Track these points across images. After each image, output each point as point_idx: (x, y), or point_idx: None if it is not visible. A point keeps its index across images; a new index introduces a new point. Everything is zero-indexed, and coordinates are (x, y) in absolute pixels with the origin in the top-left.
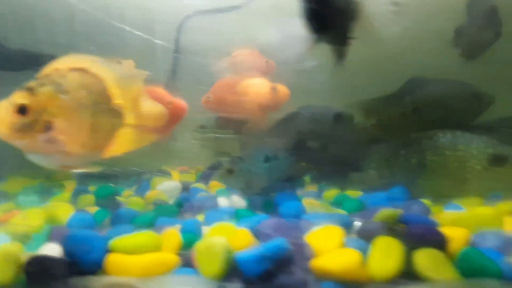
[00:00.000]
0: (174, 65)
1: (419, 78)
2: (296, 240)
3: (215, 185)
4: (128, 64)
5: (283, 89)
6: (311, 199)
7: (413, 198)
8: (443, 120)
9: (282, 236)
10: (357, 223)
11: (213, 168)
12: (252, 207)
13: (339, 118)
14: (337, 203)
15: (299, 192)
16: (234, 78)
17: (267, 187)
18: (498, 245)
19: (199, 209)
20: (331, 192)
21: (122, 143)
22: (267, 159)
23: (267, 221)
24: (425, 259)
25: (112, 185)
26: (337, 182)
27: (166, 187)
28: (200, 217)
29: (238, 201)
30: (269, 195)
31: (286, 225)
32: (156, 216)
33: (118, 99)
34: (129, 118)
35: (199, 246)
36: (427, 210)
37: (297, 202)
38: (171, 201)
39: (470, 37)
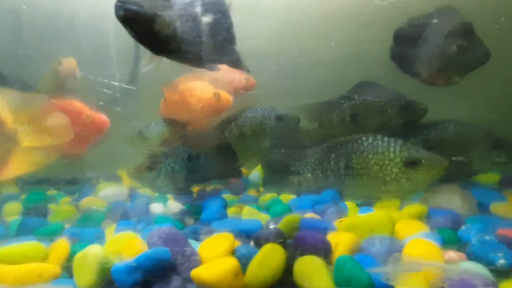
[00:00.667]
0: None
1: (366, 83)
2: (182, 249)
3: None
4: (69, 62)
5: (225, 96)
6: (241, 204)
7: (342, 201)
8: (377, 126)
9: (170, 245)
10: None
11: None
12: (188, 212)
13: (280, 119)
14: (268, 207)
15: (242, 194)
16: (185, 80)
17: (186, 187)
18: (383, 251)
19: (125, 217)
20: (267, 196)
21: (18, 166)
22: (190, 158)
23: (157, 230)
24: (303, 268)
25: (45, 192)
26: (278, 186)
27: (109, 193)
28: (112, 227)
29: (174, 206)
30: (195, 198)
31: (176, 234)
32: (62, 227)
33: (11, 124)
34: (27, 140)
35: (76, 257)
36: (343, 214)
37: (218, 208)
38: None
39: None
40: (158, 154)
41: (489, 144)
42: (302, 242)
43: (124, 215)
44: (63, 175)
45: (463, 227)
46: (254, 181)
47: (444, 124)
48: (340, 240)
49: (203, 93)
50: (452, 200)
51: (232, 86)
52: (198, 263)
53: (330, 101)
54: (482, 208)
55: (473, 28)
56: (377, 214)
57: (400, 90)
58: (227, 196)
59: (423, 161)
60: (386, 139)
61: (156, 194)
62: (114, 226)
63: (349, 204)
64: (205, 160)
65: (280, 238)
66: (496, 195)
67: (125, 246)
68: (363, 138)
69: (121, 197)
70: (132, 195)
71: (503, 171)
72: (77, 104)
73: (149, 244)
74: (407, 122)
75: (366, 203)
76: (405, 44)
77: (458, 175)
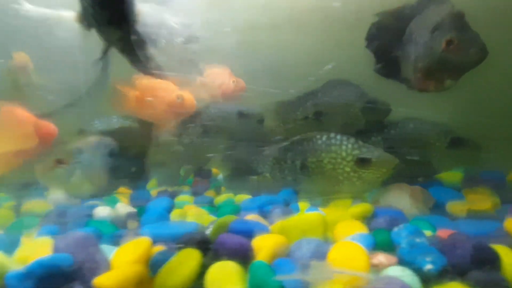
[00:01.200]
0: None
1: (336, 81)
2: (92, 255)
3: (120, 191)
4: (20, 57)
5: (189, 99)
6: (191, 206)
7: (297, 201)
8: (340, 125)
9: (77, 251)
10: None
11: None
12: (134, 216)
13: (242, 116)
14: (220, 207)
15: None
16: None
17: (108, 187)
18: (308, 255)
19: (62, 221)
20: (222, 197)
21: None
22: (112, 153)
23: (65, 235)
24: (215, 274)
25: None
26: (238, 186)
27: (60, 196)
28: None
29: (123, 209)
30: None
31: (87, 240)
32: None
33: None
34: None
35: None
36: (289, 215)
37: (160, 211)
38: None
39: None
40: (71, 148)
41: (448, 143)
42: (221, 246)
43: (58, 219)
44: (19, 178)
45: (395, 228)
46: (221, 181)
47: (404, 123)
48: (265, 244)
49: (166, 94)
50: (401, 199)
51: (221, 90)
52: (107, 270)
53: (295, 99)
54: (440, 207)
55: (465, 19)
56: (310, 215)
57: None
58: (183, 197)
59: (373, 159)
60: (339, 137)
61: (109, 196)
62: (35, 231)
63: (302, 205)
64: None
65: (204, 242)
66: (455, 194)
67: (34, 253)
68: (317, 136)
69: (72, 201)
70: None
71: (466, 170)
72: (25, 114)
73: (56, 250)
74: (370, 121)
75: (320, 203)
76: (384, 41)
77: (417, 174)
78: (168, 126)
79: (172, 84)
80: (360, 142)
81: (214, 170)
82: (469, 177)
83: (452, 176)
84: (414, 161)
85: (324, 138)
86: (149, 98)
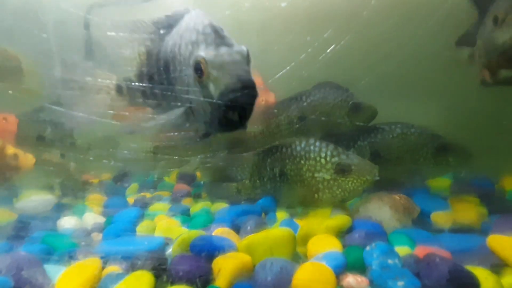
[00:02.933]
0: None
1: (324, 84)
2: (32, 278)
3: (93, 199)
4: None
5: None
6: (163, 216)
7: (278, 209)
8: (325, 128)
9: (17, 273)
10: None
11: (117, 179)
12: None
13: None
14: (194, 217)
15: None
16: None
17: None
18: (271, 278)
19: (20, 234)
20: (198, 206)
21: None
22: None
23: (8, 255)
24: None
25: None
26: (218, 193)
27: (30, 204)
28: None
29: (91, 220)
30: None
31: (30, 261)
32: None
33: None
34: None
35: None
36: (262, 227)
37: (125, 224)
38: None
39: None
40: None
41: (435, 148)
42: (177, 268)
43: (18, 232)
44: None
45: (368, 247)
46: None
47: (391, 127)
48: (226, 265)
49: None
50: (382, 210)
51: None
52: None
53: (279, 102)
54: (425, 216)
55: None
56: (278, 231)
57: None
58: (158, 205)
59: (353, 167)
60: (318, 143)
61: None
62: None
63: (280, 214)
64: None
65: (160, 263)
66: (441, 203)
67: None
68: (296, 143)
69: (41, 208)
70: (54, 206)
71: (454, 176)
72: None
73: None
74: (355, 125)
75: (299, 212)
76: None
77: (403, 180)
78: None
79: None
80: (340, 149)
81: (198, 175)
82: (457, 185)
83: (440, 182)
84: (400, 167)
85: (303, 144)
86: None
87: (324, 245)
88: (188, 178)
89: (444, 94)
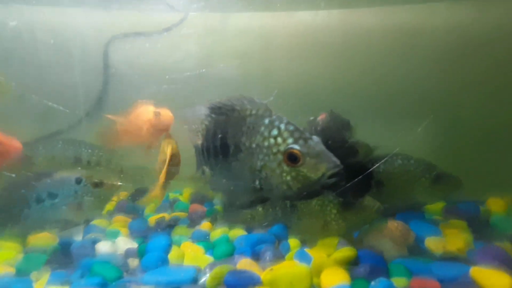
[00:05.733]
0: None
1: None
2: None
3: (118, 220)
4: None
5: (166, 114)
6: (188, 243)
7: (289, 237)
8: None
9: None
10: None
11: (135, 197)
12: (134, 253)
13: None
14: (215, 245)
15: (197, 226)
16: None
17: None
18: None
19: (68, 260)
20: (217, 232)
21: None
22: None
23: None
24: None
25: None
26: (234, 219)
27: None
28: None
29: (124, 243)
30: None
31: None
32: None
33: None
34: None
35: None
36: (279, 258)
37: (159, 253)
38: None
39: None
40: None
41: (432, 178)
42: None
43: (65, 258)
44: None
45: (373, 283)
46: (216, 206)
47: (392, 158)
48: None
49: (144, 113)
50: (382, 241)
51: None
52: None
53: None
54: (419, 243)
55: None
56: (298, 267)
57: None
58: (181, 229)
59: (356, 204)
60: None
61: (110, 227)
62: (47, 276)
63: (292, 243)
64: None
65: None
66: (434, 229)
67: None
68: None
69: (74, 229)
70: (85, 228)
71: (446, 200)
72: None
73: None
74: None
75: (309, 241)
76: None
77: (402, 208)
78: (152, 145)
79: (148, 104)
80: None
81: (211, 194)
82: (448, 209)
83: (434, 206)
84: (400, 194)
85: None
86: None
87: (334, 278)
88: (200, 198)
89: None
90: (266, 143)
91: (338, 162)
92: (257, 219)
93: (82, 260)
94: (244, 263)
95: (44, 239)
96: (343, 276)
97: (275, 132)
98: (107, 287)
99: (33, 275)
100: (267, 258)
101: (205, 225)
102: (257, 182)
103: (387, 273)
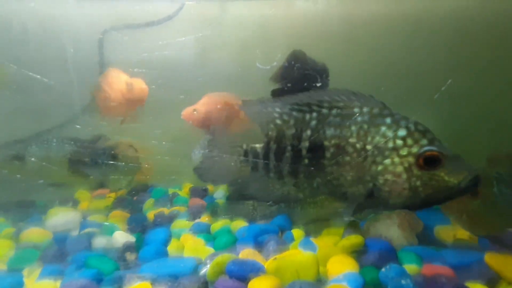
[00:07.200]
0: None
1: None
2: None
3: (116, 215)
4: None
5: (140, 85)
6: (188, 235)
7: (293, 227)
8: None
9: None
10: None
11: (133, 193)
12: (131, 247)
13: None
14: (216, 236)
15: (197, 219)
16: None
17: None
18: None
19: (62, 255)
20: (218, 224)
21: None
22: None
23: (69, 284)
24: None
25: None
26: (234, 209)
27: (58, 221)
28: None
29: (121, 238)
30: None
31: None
32: None
33: None
34: None
35: None
36: (283, 247)
37: (157, 245)
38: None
39: None
40: None
41: None
42: None
43: (58, 253)
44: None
45: (383, 269)
46: (217, 200)
47: None
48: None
49: (116, 83)
50: (390, 229)
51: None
52: None
53: None
54: (428, 231)
55: None
56: (304, 255)
57: None
58: (180, 222)
59: None
60: None
61: (107, 222)
62: (37, 270)
63: (296, 232)
64: None
65: (203, 286)
66: (442, 217)
67: None
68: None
69: (70, 225)
70: (81, 223)
71: None
72: None
73: None
74: None
75: (313, 230)
76: None
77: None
78: (125, 116)
79: (122, 73)
80: None
81: (210, 189)
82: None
83: None
84: None
85: None
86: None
87: (342, 266)
88: (200, 192)
89: None
90: (390, 145)
91: (474, 166)
92: (259, 210)
93: (77, 254)
94: (247, 253)
95: (37, 234)
96: (350, 263)
97: (402, 132)
98: (103, 279)
99: (25, 271)
100: (271, 247)
101: (204, 218)
102: (367, 188)
103: (396, 261)
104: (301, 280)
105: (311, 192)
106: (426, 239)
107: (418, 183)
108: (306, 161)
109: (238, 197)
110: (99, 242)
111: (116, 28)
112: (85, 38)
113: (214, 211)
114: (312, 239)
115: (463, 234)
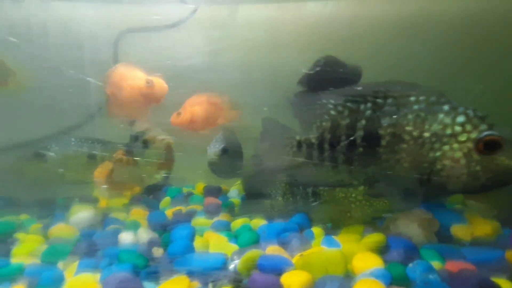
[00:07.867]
0: None
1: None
2: None
3: (136, 213)
4: None
5: (159, 83)
6: (210, 232)
7: (312, 226)
8: None
9: None
10: (234, 265)
11: (149, 191)
12: (157, 242)
13: None
14: (238, 234)
15: (215, 217)
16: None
17: None
18: None
19: (93, 250)
20: (238, 222)
21: None
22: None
23: (112, 277)
24: None
25: (11, 223)
26: (253, 209)
27: (81, 218)
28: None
29: (145, 234)
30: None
31: (131, 281)
32: (22, 268)
33: None
34: None
35: None
36: (307, 244)
37: (184, 241)
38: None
39: None
40: None
41: None
42: (254, 285)
43: (90, 248)
44: (35, 196)
45: (410, 265)
46: (231, 199)
47: None
48: (293, 282)
49: (135, 81)
50: (410, 227)
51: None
52: None
53: None
54: (444, 231)
55: None
56: (331, 251)
57: None
58: (200, 220)
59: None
60: None
61: (129, 219)
62: (76, 264)
63: (316, 231)
64: None
65: (236, 281)
66: (458, 216)
67: None
68: None
69: (93, 222)
70: (105, 220)
71: None
72: None
73: None
74: None
75: (332, 228)
76: None
77: (428, 196)
78: (142, 114)
79: (140, 71)
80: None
81: (224, 188)
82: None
83: (455, 196)
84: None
85: None
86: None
87: (368, 262)
88: (215, 191)
89: None
90: (448, 131)
91: None
92: (277, 209)
93: (107, 249)
94: (273, 249)
95: (65, 230)
96: (376, 260)
97: (461, 119)
98: (140, 272)
99: (60, 265)
100: (294, 245)
101: (224, 216)
102: (425, 175)
103: (419, 258)
104: (331, 275)
105: (365, 180)
106: (444, 238)
107: (478, 167)
108: (361, 149)
109: (255, 196)
110: (125, 238)
111: (131, 30)
112: (102, 40)
113: (231, 210)
114: (334, 237)
115: (480, 232)
